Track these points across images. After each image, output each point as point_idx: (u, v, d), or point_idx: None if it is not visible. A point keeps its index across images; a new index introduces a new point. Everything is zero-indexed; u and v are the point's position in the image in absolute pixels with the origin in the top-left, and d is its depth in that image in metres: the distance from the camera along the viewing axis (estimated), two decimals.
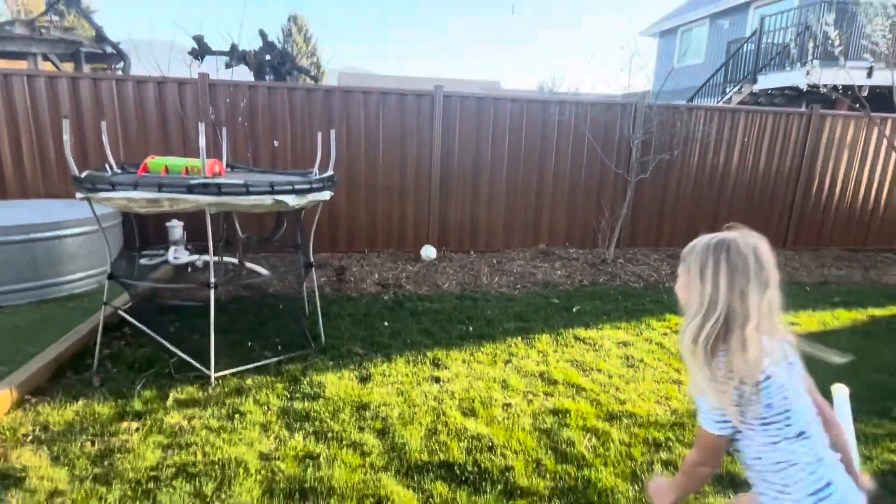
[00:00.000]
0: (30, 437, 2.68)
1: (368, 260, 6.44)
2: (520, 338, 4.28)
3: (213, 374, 3.32)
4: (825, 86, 7.89)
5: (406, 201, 6.74)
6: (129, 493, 2.32)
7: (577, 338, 4.33)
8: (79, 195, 3.20)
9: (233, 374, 3.40)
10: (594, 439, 2.88)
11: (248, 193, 3.16)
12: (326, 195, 3.69)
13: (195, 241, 5.92)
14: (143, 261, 5.69)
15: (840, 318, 5.12)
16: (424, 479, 2.49)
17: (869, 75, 11.00)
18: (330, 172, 3.77)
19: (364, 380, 3.46)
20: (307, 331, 4.10)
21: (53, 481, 2.36)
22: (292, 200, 3.38)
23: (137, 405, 3.01)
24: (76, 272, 4.73)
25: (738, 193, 7.71)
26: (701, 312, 1.33)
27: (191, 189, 3.02)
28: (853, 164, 8.01)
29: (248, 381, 3.34)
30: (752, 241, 1.35)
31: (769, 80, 12.07)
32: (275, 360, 3.65)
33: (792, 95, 12.25)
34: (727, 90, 13.87)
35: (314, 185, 3.54)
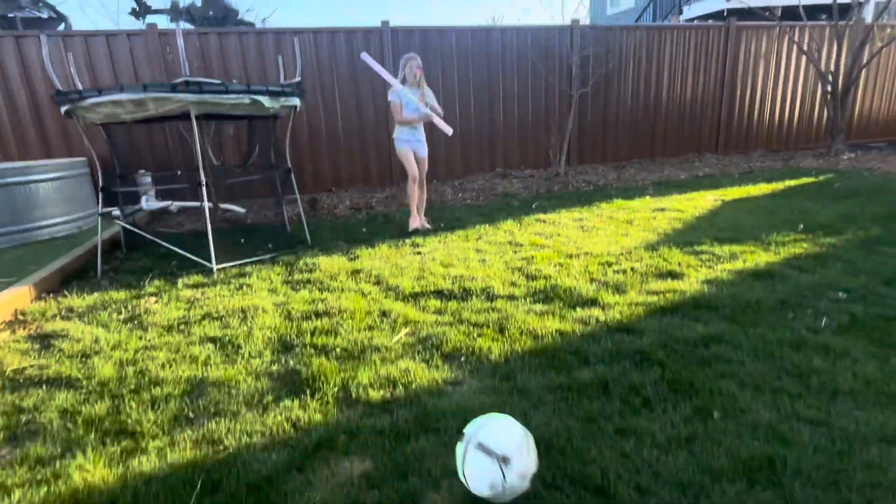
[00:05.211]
0: (58, 316, 2.96)
1: (337, 195, 6.76)
2: (487, 225, 4.75)
3: (214, 266, 3.64)
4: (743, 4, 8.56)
5: (366, 139, 7.05)
6: (164, 332, 2.66)
7: (537, 220, 4.84)
8: (63, 108, 3.40)
9: (232, 267, 3.73)
10: (558, 267, 3.39)
11: (228, 92, 3.45)
12: (296, 101, 4.00)
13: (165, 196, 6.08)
14: (115, 211, 5.84)
15: (762, 189, 5.84)
16: (419, 301, 2.93)
17: None
18: (298, 79, 4.06)
19: (353, 258, 3.85)
20: (293, 237, 4.44)
21: (93, 334, 2.67)
22: (267, 102, 3.68)
23: (151, 289, 3.32)
24: (54, 217, 4.87)
25: (671, 109, 8.38)
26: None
27: (174, 88, 3.28)
28: (769, 74, 8.80)
29: (248, 269, 3.68)
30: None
31: (693, 10, 12.84)
32: (269, 255, 3.99)
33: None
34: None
35: (285, 90, 3.84)
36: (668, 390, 1.88)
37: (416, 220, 4.64)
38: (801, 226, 4.01)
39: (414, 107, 4.41)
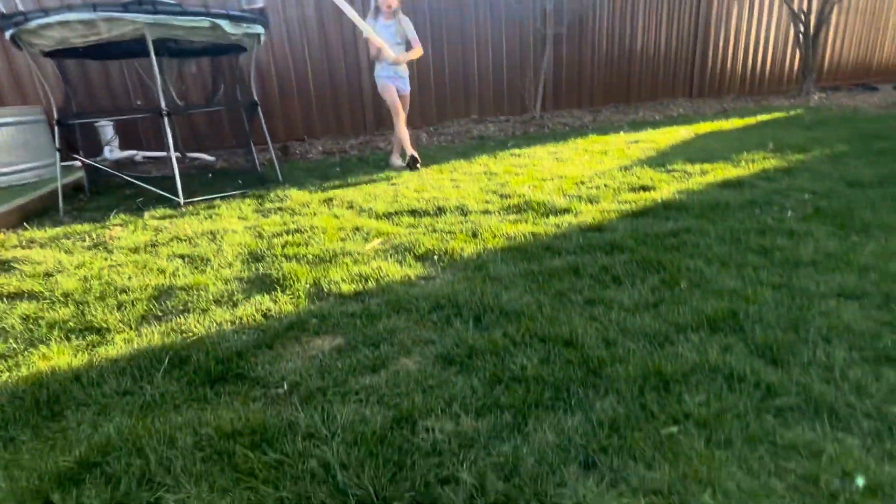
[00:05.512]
0: (18, 246, 2.86)
1: (310, 142, 6.61)
2: (462, 160, 4.70)
3: (182, 200, 3.54)
4: None
5: (337, 86, 6.85)
6: (130, 253, 2.59)
7: (512, 155, 4.81)
8: (9, 33, 3.21)
9: (201, 201, 3.63)
10: (532, 188, 3.38)
11: (185, 14, 3.29)
12: (259, 29, 3.83)
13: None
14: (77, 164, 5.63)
15: (735, 123, 5.88)
16: (393, 218, 2.90)
17: None
18: (260, 4, 3.89)
19: (325, 190, 3.79)
20: (264, 178, 4.34)
21: (56, 258, 2.59)
22: (229, 27, 3.52)
23: (117, 222, 3.22)
24: (10, 164, 4.66)
25: (646, 54, 8.31)
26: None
27: (127, 7, 3.11)
28: (743, 17, 8.76)
29: (218, 202, 3.59)
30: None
31: None
32: (239, 192, 3.89)
33: None
34: None
35: (247, 16, 3.68)
36: (637, 269, 1.91)
37: (410, 149, 4.49)
38: (771, 145, 4.06)
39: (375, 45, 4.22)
